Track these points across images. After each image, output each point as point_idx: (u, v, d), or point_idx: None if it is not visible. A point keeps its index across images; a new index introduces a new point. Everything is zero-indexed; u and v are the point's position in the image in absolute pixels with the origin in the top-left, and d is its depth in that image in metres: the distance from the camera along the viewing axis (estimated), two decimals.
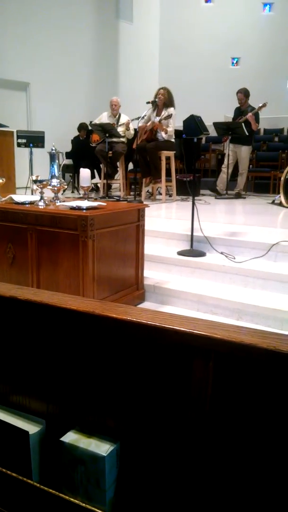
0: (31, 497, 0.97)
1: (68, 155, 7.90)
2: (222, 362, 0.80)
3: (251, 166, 7.36)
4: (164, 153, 5.70)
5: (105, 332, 0.92)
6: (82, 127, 7.70)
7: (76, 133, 7.86)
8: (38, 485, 0.96)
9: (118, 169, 6.52)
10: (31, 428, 0.99)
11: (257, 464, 0.80)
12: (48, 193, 3.02)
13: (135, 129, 6.20)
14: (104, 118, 6.38)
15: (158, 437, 0.89)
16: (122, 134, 6.19)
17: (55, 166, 3.04)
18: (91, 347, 0.95)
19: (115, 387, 0.93)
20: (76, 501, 0.93)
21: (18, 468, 1.00)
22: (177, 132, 5.96)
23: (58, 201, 2.98)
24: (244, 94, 6.45)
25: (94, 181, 7.10)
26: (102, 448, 0.91)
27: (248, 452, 0.80)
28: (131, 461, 0.93)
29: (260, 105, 6.22)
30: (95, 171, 7.22)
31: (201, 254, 3.42)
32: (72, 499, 0.93)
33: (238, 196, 6.55)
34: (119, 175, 6.59)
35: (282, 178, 5.43)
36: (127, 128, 6.16)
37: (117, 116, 6.34)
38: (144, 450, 0.91)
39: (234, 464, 0.82)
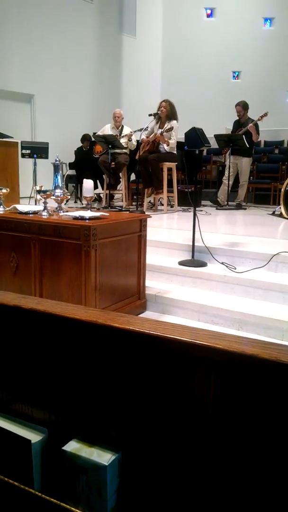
0: (32, 506, 0.97)
1: (71, 165, 7.97)
2: (223, 372, 0.80)
3: (251, 177, 7.41)
4: (166, 164, 5.75)
5: (108, 342, 0.93)
6: (85, 138, 7.79)
7: (80, 144, 7.94)
8: (39, 494, 0.96)
9: (121, 179, 6.57)
10: (33, 437, 0.99)
11: (258, 473, 0.80)
12: (52, 203, 3.05)
13: (137, 141, 6.26)
14: (107, 129, 6.45)
15: (160, 446, 0.90)
16: (125, 146, 6.26)
17: (59, 177, 3.08)
18: (94, 356, 0.96)
19: (117, 397, 0.94)
20: (78, 511, 0.93)
21: (20, 477, 1.00)
22: (179, 144, 6.02)
23: (61, 211, 3.01)
24: (242, 107, 6.52)
25: (97, 191, 7.15)
26: (104, 457, 0.92)
27: (249, 461, 0.81)
28: (132, 471, 0.94)
29: (262, 114, 6.28)
30: (98, 181, 7.28)
31: (202, 264, 3.44)
32: (73, 509, 0.93)
33: (239, 207, 6.59)
34: (122, 185, 6.64)
35: (282, 190, 5.47)
36: (130, 140, 6.23)
37: (120, 128, 6.41)
38: (146, 459, 0.92)
39: (236, 473, 0.82)
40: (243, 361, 0.76)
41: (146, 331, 0.86)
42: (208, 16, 11.12)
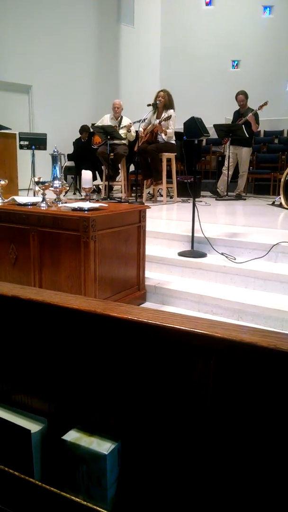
0: (32, 495, 0.98)
1: (70, 157, 7.92)
2: (222, 360, 0.80)
3: (251, 167, 7.37)
4: (165, 155, 5.71)
5: (106, 331, 0.93)
6: (84, 129, 7.73)
7: (78, 135, 7.88)
8: (39, 483, 0.97)
9: (120, 171, 6.54)
10: (33, 427, 0.99)
11: (258, 462, 0.80)
12: (50, 195, 3.04)
13: (136, 132, 6.22)
14: (106, 120, 6.40)
15: (159, 435, 0.90)
16: (124, 137, 6.21)
17: (57, 168, 3.06)
18: (93, 346, 0.96)
19: (116, 386, 0.94)
20: (78, 500, 0.94)
21: (20, 467, 1.00)
22: (178, 134, 5.97)
23: (60, 202, 2.99)
24: (244, 96, 6.47)
25: (96, 182, 7.12)
26: (103, 446, 0.92)
27: (249, 450, 0.81)
28: (132, 460, 0.94)
29: (261, 104, 6.23)
30: (96, 172, 7.25)
31: (202, 255, 3.43)
32: (73, 498, 0.94)
33: (238, 197, 6.56)
34: (121, 176, 6.61)
35: (282, 180, 5.44)
36: (129, 131, 6.18)
37: (119, 119, 6.36)
38: (145, 448, 0.92)
39: (235, 462, 0.82)
40: (242, 350, 0.76)
41: (144, 320, 0.85)
42: (207, 4, 10.97)
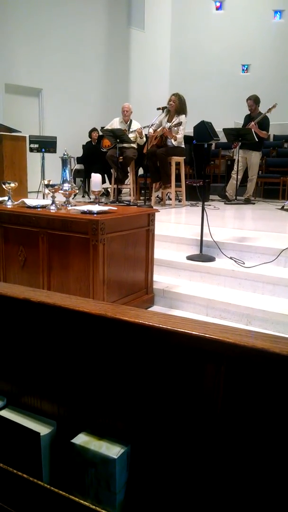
0: (41, 498, 0.98)
1: (79, 160, 7.97)
2: (234, 366, 0.80)
3: (260, 172, 7.34)
4: (174, 159, 5.72)
5: (117, 335, 0.93)
6: (94, 130, 7.79)
7: (88, 138, 7.93)
8: (48, 486, 0.97)
9: (129, 174, 6.56)
10: (42, 430, 1.00)
11: (268, 469, 0.79)
12: (60, 197, 3.05)
13: (145, 135, 6.24)
14: (115, 124, 6.43)
15: (169, 440, 0.89)
16: (133, 140, 6.23)
17: (67, 171, 3.07)
18: (103, 349, 0.96)
19: (126, 390, 0.94)
20: (86, 503, 0.93)
21: (29, 469, 1.01)
22: (188, 138, 5.97)
23: (69, 205, 3.00)
24: (254, 101, 6.46)
25: (105, 185, 7.14)
26: (113, 450, 0.92)
27: (259, 456, 0.80)
28: (141, 464, 0.94)
29: (270, 107, 6.21)
30: (105, 176, 7.27)
31: (210, 259, 3.42)
32: (82, 501, 0.94)
33: (247, 201, 6.54)
34: (130, 180, 6.63)
35: None
36: (141, 137, 6.20)
37: (128, 122, 6.39)
38: (154, 453, 0.91)
39: (246, 468, 0.81)
40: (254, 355, 0.75)
41: (155, 324, 0.85)
42: (217, 9, 10.99)
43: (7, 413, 1.05)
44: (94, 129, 7.78)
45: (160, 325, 0.85)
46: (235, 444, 0.82)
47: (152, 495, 0.93)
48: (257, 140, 6.11)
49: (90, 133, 7.84)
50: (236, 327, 0.85)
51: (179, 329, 0.83)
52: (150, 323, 0.86)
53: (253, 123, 6.20)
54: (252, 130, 6.10)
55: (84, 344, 0.98)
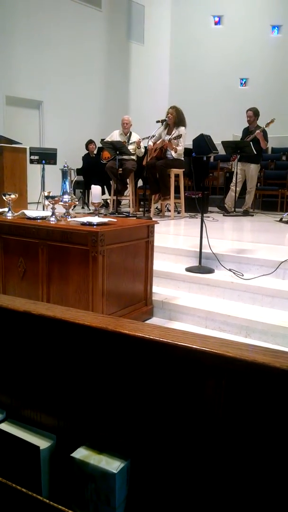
0: None
1: (78, 171, 8.02)
2: (234, 380, 0.80)
3: (259, 184, 7.40)
4: (173, 171, 5.76)
5: (117, 348, 0.93)
6: (90, 141, 7.86)
7: (85, 151, 7.99)
8: (47, 501, 0.96)
9: (128, 185, 6.60)
10: (42, 443, 0.99)
11: (271, 485, 0.79)
12: (60, 209, 3.07)
13: (145, 147, 6.29)
14: (115, 136, 6.49)
15: (169, 454, 0.89)
16: (133, 152, 6.28)
17: (67, 183, 3.09)
18: (103, 363, 0.96)
19: (126, 404, 0.94)
20: None
21: (28, 483, 1.00)
22: (187, 151, 6.03)
23: (69, 216, 3.02)
24: (254, 113, 6.54)
25: (104, 197, 7.18)
26: (112, 465, 0.91)
27: (260, 472, 0.80)
28: (141, 479, 0.93)
29: (268, 121, 6.29)
30: (105, 187, 7.31)
31: (209, 270, 3.43)
32: None
33: (246, 213, 6.58)
34: (129, 191, 6.67)
35: None
36: (138, 147, 6.26)
37: (128, 135, 6.45)
38: (155, 467, 0.91)
39: (247, 483, 0.81)
40: (255, 370, 0.76)
41: (155, 338, 0.86)
42: (216, 23, 11.18)
43: (6, 426, 1.05)
44: (91, 141, 7.85)
45: (161, 339, 0.85)
46: (236, 459, 0.82)
47: (153, 510, 0.92)
48: (255, 152, 6.17)
49: (87, 145, 7.91)
50: (236, 340, 0.86)
51: (179, 343, 0.83)
52: (151, 337, 0.86)
53: (258, 131, 6.27)
54: (251, 143, 6.16)
55: (84, 357, 0.98)
